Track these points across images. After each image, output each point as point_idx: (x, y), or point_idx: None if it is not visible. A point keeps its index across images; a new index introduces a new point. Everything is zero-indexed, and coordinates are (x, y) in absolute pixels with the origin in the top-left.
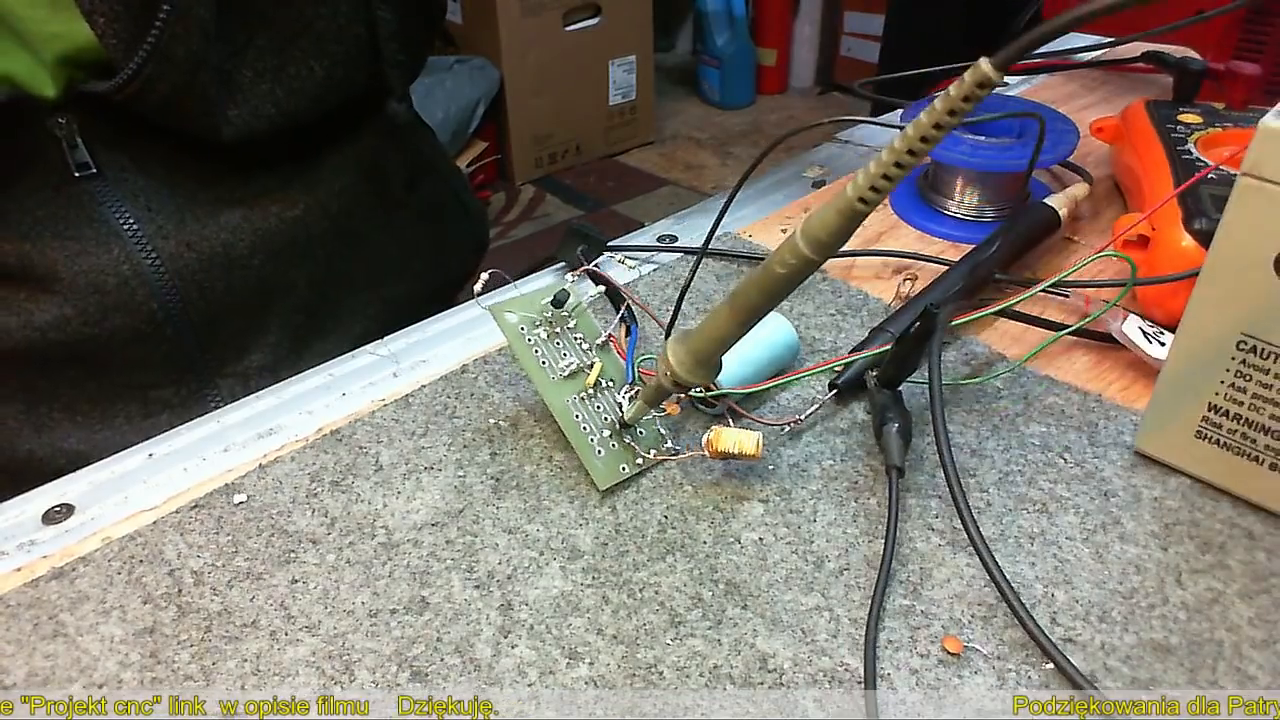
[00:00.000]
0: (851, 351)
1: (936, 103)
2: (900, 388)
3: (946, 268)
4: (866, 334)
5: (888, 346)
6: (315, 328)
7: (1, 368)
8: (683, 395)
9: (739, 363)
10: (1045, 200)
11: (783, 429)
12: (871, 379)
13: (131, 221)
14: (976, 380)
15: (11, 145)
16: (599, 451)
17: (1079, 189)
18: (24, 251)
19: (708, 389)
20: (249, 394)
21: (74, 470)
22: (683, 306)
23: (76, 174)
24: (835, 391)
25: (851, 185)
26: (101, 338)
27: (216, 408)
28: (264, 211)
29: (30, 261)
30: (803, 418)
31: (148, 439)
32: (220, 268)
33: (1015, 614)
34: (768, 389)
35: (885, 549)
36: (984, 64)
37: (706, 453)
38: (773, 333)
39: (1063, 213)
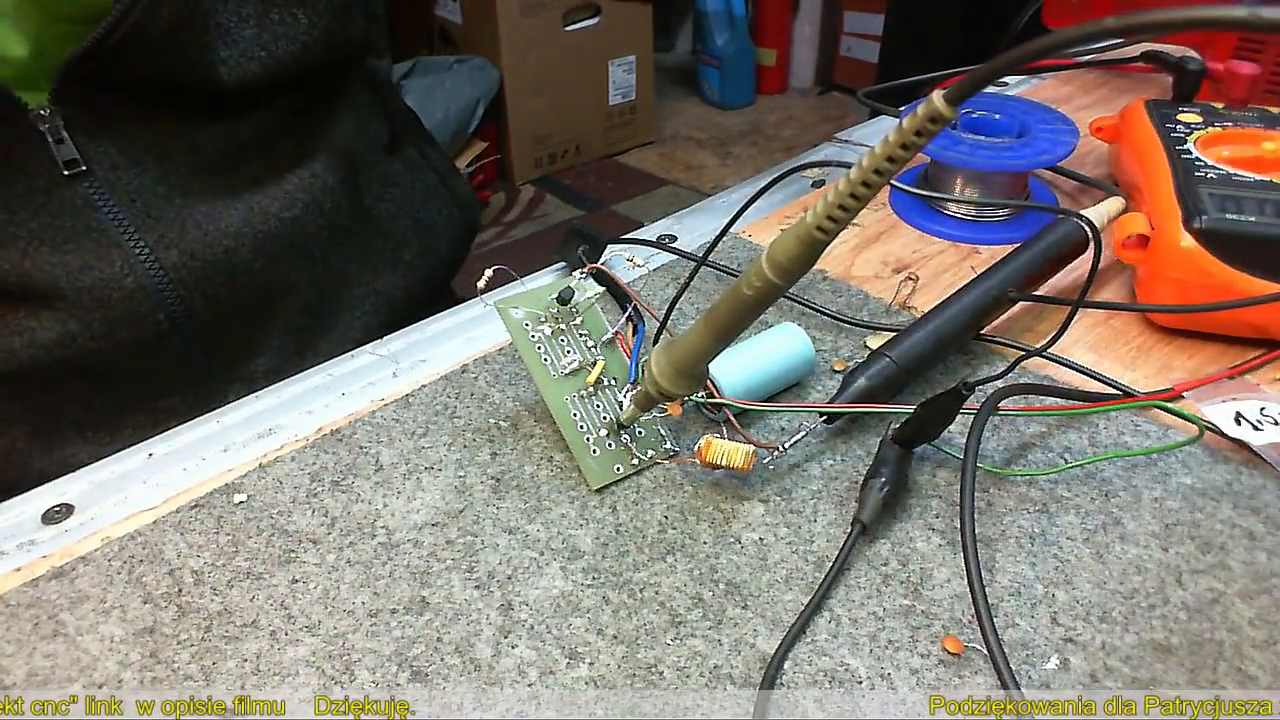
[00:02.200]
0: (850, 373)
1: (890, 135)
2: (915, 449)
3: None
4: (866, 334)
5: (895, 409)
6: (317, 328)
7: (6, 389)
8: (687, 399)
9: (749, 373)
10: (1078, 215)
11: (764, 455)
12: (892, 428)
13: (131, 229)
14: (1011, 471)
15: None
16: (594, 451)
17: (1113, 204)
18: (23, 269)
19: (709, 395)
20: None
21: None
22: (685, 307)
23: (65, 173)
24: (825, 419)
25: (810, 213)
26: (108, 352)
27: None
28: (263, 214)
29: (30, 279)
30: (785, 447)
31: None
32: (223, 274)
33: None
34: (767, 410)
35: (818, 590)
36: (936, 98)
37: (698, 460)
38: (788, 344)
39: (1102, 227)
